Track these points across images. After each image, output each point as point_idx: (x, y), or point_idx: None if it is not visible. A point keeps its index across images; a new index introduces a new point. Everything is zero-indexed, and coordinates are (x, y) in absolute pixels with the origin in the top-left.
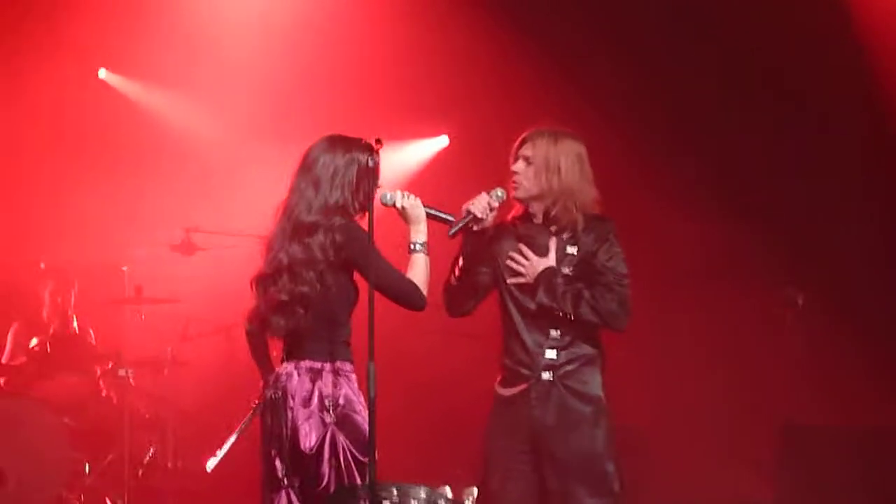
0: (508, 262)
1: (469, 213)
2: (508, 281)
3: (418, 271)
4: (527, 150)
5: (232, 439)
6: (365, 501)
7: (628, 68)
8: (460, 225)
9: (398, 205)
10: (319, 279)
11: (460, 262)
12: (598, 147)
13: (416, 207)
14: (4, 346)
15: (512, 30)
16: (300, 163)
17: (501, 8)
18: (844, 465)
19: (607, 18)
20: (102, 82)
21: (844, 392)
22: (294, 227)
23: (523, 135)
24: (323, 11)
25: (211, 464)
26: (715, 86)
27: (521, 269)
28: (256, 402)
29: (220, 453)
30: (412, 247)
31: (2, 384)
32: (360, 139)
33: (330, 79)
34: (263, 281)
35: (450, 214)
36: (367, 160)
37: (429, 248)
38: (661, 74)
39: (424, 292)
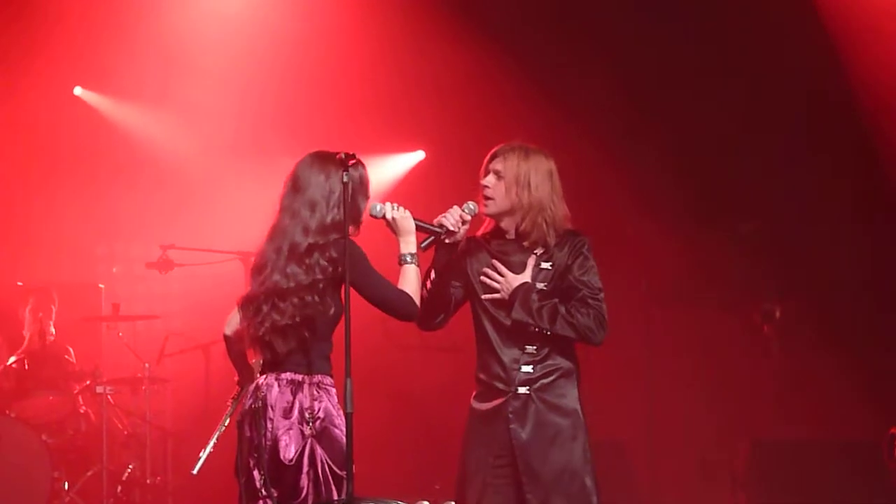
0: (482, 278)
1: (441, 225)
2: (483, 297)
3: (410, 282)
4: (497, 165)
5: (213, 440)
6: None
7: (609, 84)
8: (432, 238)
9: (388, 216)
10: (322, 301)
11: (432, 275)
12: (579, 164)
13: (405, 219)
14: None
15: (489, 45)
16: (290, 183)
17: (479, 23)
18: (819, 478)
19: (587, 33)
20: (78, 99)
21: (821, 405)
22: (291, 248)
23: (493, 149)
24: (300, 27)
25: (196, 467)
26: (702, 101)
27: (496, 286)
28: (232, 397)
29: (203, 455)
30: (403, 258)
31: None
32: (352, 154)
33: (307, 94)
34: (254, 302)
35: (440, 227)
36: (359, 176)
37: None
38: (642, 89)
39: (418, 302)
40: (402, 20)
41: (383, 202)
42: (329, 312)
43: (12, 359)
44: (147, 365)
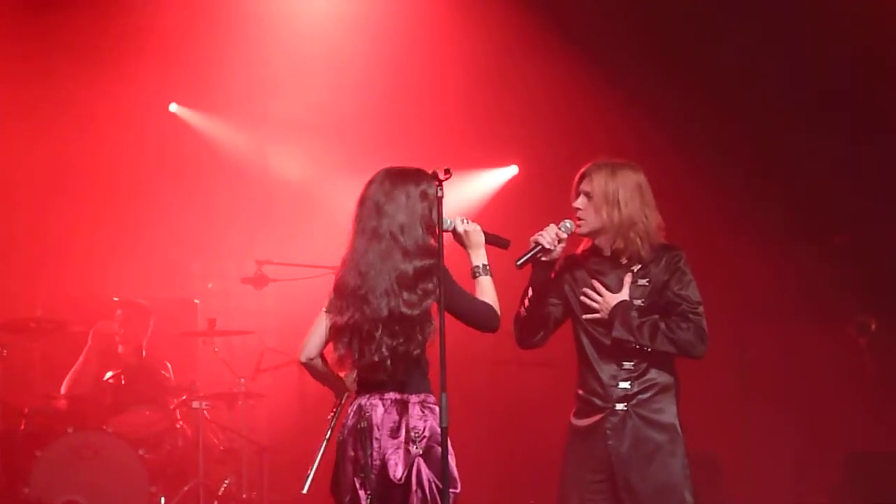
0: (582, 298)
1: (537, 244)
2: (583, 318)
3: (488, 293)
4: (586, 186)
5: (318, 457)
6: None
7: (707, 104)
8: (528, 256)
9: (459, 229)
10: (421, 330)
11: (529, 293)
12: (670, 177)
13: (476, 232)
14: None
15: (583, 58)
16: (368, 203)
17: (572, 37)
18: None
19: (687, 53)
20: (173, 115)
21: None
22: (401, 276)
23: (581, 170)
24: (394, 43)
25: (305, 486)
26: (798, 123)
27: (595, 305)
28: (333, 412)
29: (311, 472)
30: (477, 270)
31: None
32: (421, 170)
33: (401, 109)
34: (361, 329)
35: (506, 239)
36: (437, 190)
37: (492, 271)
38: (742, 110)
39: (498, 312)
40: (497, 35)
41: (452, 217)
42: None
43: (109, 374)
44: (242, 380)
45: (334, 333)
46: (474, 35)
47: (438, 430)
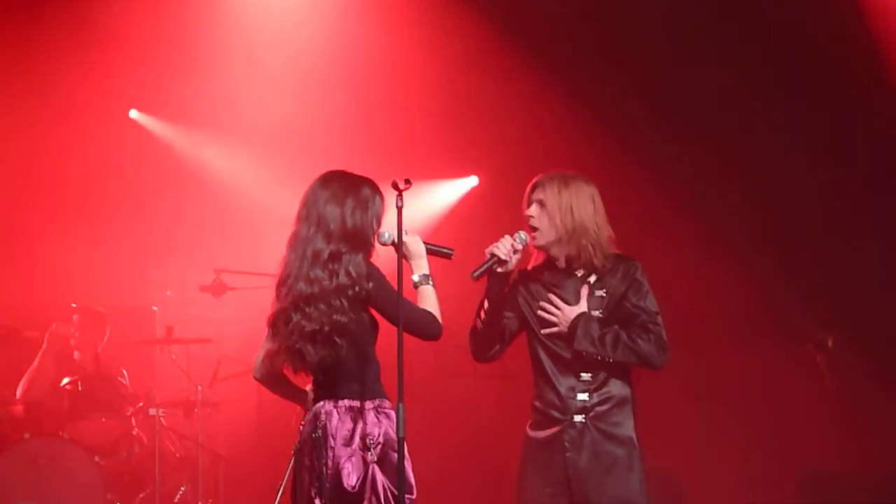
0: (539, 312)
1: (493, 255)
2: (542, 332)
3: (430, 302)
4: (538, 195)
5: (288, 470)
6: None
7: (671, 117)
8: (484, 267)
9: (398, 241)
10: (352, 307)
11: (486, 305)
12: (633, 194)
13: (415, 242)
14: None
15: (544, 72)
16: (307, 197)
17: (534, 51)
18: None
19: (650, 66)
20: (133, 122)
21: (872, 438)
22: (314, 255)
23: (534, 180)
24: (355, 53)
25: (276, 499)
26: (770, 139)
27: (554, 319)
28: (301, 423)
29: (281, 487)
30: (417, 281)
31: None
32: (364, 177)
33: (362, 119)
34: (284, 314)
35: (449, 249)
36: (380, 201)
37: (434, 280)
38: (708, 123)
39: (440, 321)
40: (459, 46)
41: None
42: (363, 324)
43: (66, 380)
44: (200, 388)
45: (270, 324)
46: (436, 46)
47: (394, 435)
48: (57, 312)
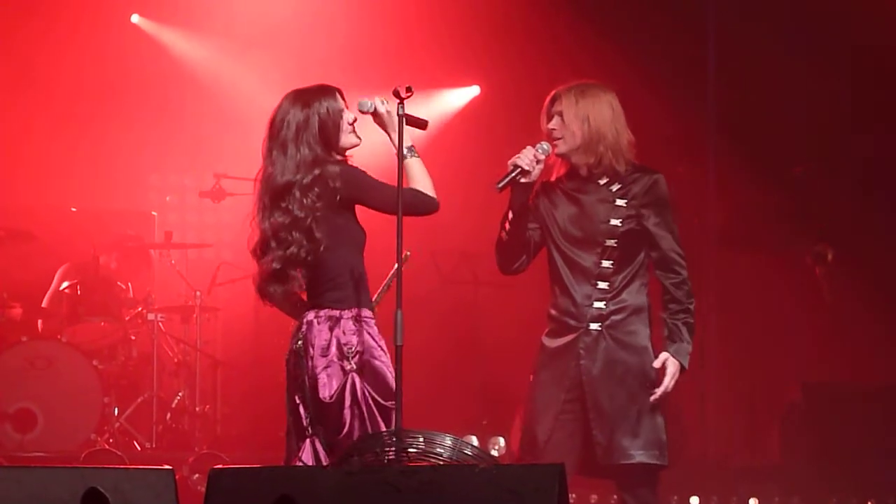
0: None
1: (516, 166)
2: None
3: (419, 176)
4: (558, 107)
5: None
6: (390, 448)
7: (675, 32)
8: (508, 178)
9: (380, 110)
10: (308, 236)
11: (510, 216)
12: (630, 101)
13: (393, 115)
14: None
15: None
16: (268, 129)
17: None
18: (862, 421)
19: None
20: (135, 27)
21: (866, 349)
22: (272, 195)
23: (552, 93)
24: None
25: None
26: (767, 60)
27: (672, 384)
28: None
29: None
30: (404, 154)
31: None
32: (319, 87)
33: (363, 28)
34: (257, 251)
35: (424, 119)
36: (327, 107)
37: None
38: (697, 21)
39: (432, 193)
40: None
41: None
42: (343, 228)
43: (65, 284)
44: (198, 293)
45: (254, 257)
46: None
47: (374, 342)
48: (57, 216)
